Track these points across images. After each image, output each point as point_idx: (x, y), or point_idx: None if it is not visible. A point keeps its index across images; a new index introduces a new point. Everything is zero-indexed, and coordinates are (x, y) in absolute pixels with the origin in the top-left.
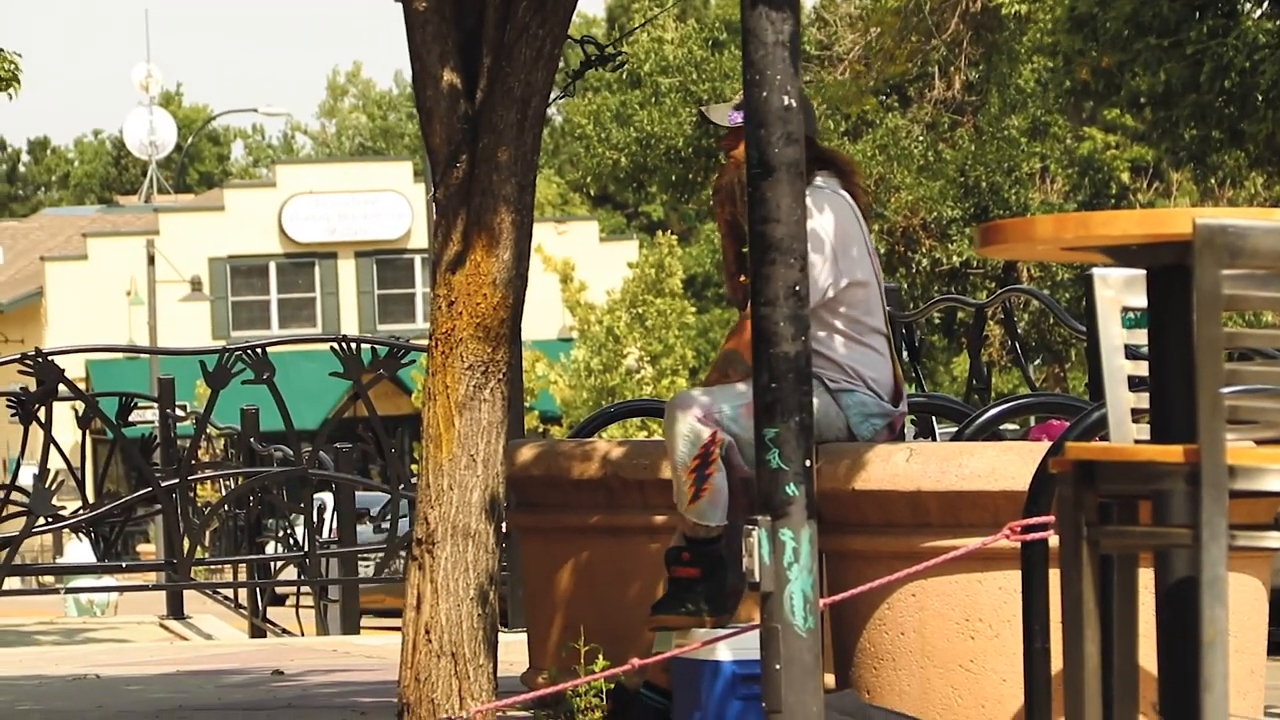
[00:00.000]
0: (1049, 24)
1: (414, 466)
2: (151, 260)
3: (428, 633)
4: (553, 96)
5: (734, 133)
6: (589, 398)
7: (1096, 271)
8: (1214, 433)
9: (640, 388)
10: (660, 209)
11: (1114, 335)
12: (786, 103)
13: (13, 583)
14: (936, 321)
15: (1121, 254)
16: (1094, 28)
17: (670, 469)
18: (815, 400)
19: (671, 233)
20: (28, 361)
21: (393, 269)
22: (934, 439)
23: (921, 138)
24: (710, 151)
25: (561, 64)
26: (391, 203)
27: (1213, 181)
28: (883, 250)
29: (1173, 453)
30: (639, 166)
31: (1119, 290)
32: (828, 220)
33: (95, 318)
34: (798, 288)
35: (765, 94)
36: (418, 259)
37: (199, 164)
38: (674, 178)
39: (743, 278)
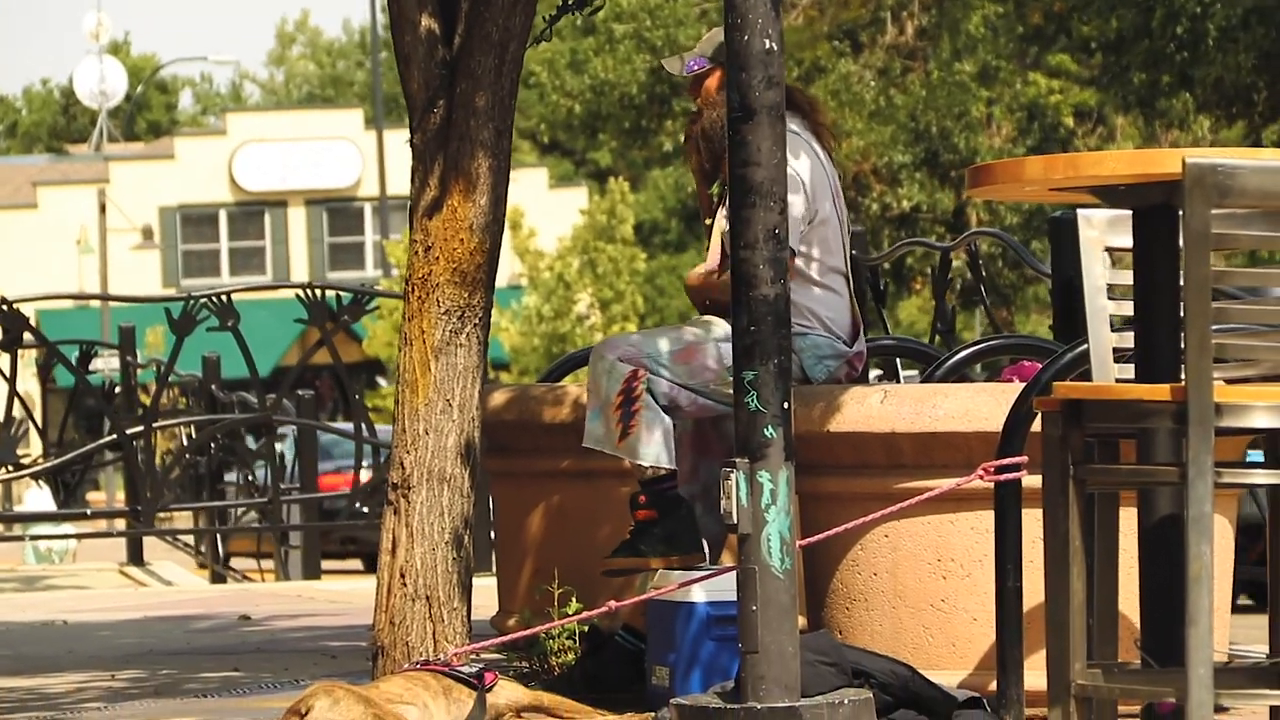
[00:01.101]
0: None
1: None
2: (103, 209)
3: (403, 576)
4: (530, 41)
5: (696, 80)
6: (540, 344)
7: (1081, 212)
8: (1202, 371)
9: (591, 334)
10: (609, 156)
11: (1097, 275)
12: (768, 46)
13: None
14: (885, 266)
15: (1109, 194)
16: None
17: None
18: None
19: (623, 179)
20: None
21: (343, 217)
22: (898, 382)
23: (873, 83)
24: (664, 98)
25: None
26: (342, 151)
27: (1157, 126)
28: None
29: (1160, 391)
30: (593, 114)
31: (1102, 231)
32: (805, 165)
33: (45, 267)
34: (777, 231)
35: (747, 37)
36: (368, 207)
37: (147, 113)
38: (628, 125)
39: (709, 220)
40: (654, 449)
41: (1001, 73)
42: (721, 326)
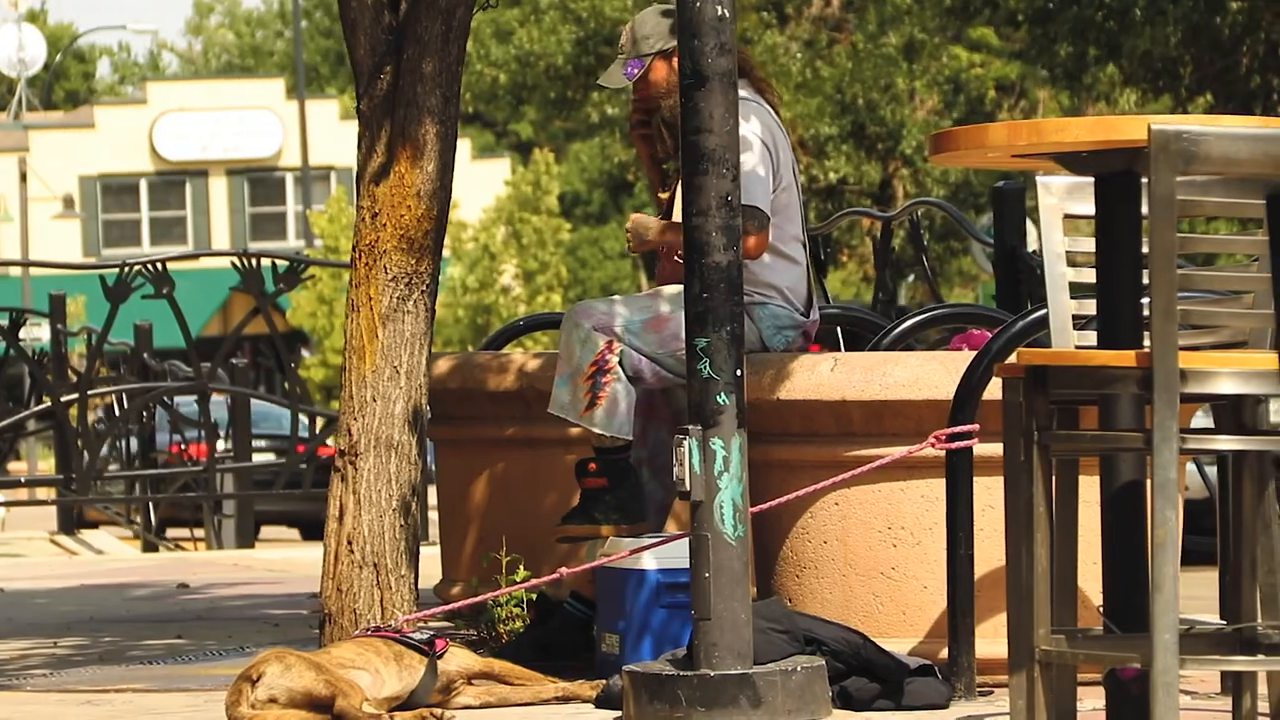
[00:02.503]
0: None
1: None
2: (23, 178)
3: (350, 544)
4: (476, 7)
5: (641, 82)
6: (464, 315)
7: (1040, 179)
8: (1167, 337)
9: (515, 305)
10: (530, 128)
11: (1056, 243)
12: (720, 12)
13: None
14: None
15: (1071, 161)
16: None
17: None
18: None
19: (549, 150)
20: None
21: (264, 187)
22: (840, 350)
23: (799, 55)
24: (589, 69)
25: None
26: (263, 121)
27: (1081, 99)
28: None
29: (1125, 357)
30: (519, 84)
31: (1061, 198)
32: (756, 126)
33: None
34: (729, 198)
35: (698, 4)
36: (289, 177)
37: (65, 82)
38: (554, 95)
39: (662, 194)
40: (618, 421)
41: (927, 46)
42: None
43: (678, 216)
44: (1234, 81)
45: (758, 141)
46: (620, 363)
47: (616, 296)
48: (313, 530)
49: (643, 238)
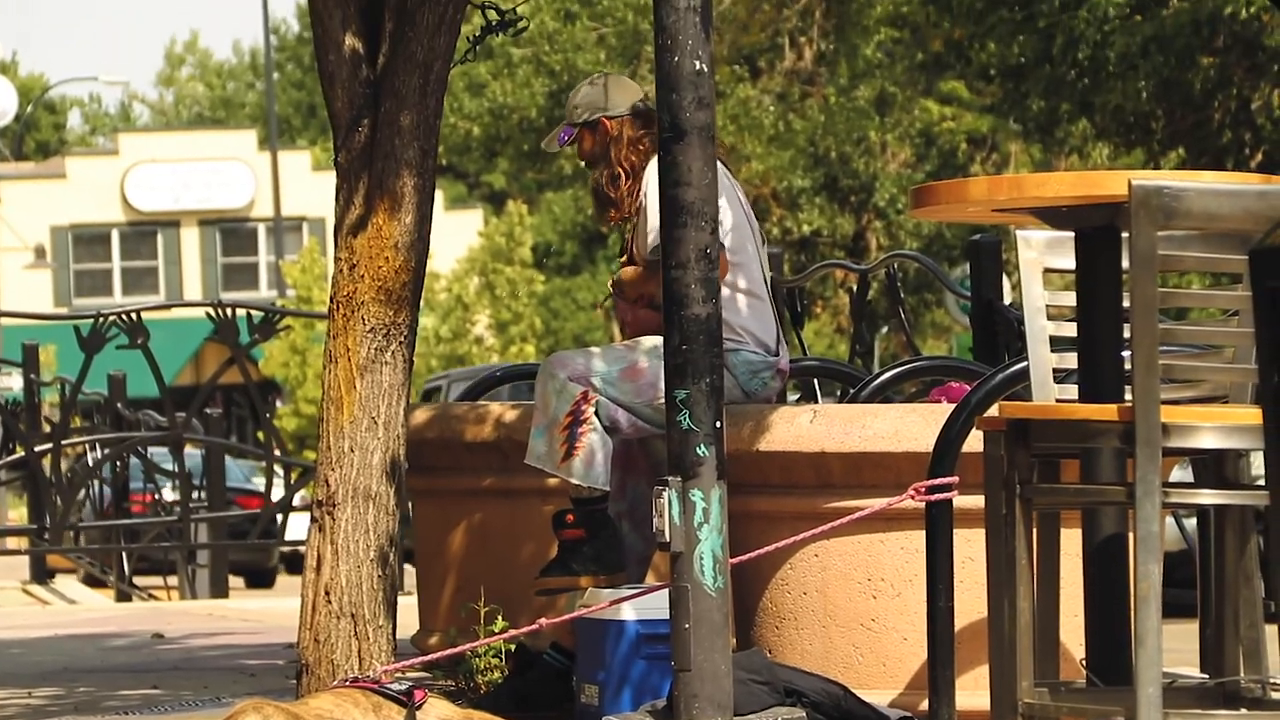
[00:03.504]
0: None
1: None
2: None
3: (327, 594)
4: (454, 61)
5: (579, 140)
6: (437, 365)
7: (1020, 234)
8: (1149, 391)
9: (489, 355)
10: (503, 179)
11: (1036, 296)
12: (698, 67)
13: None
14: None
15: (1051, 215)
16: (947, 0)
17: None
18: None
19: (522, 201)
20: None
21: (236, 238)
22: (817, 402)
23: (772, 108)
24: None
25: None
26: (235, 171)
27: (1053, 153)
28: None
29: (1108, 411)
30: (492, 137)
31: (1041, 252)
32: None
33: None
34: (708, 250)
35: (676, 58)
36: (261, 228)
37: (36, 132)
38: (526, 148)
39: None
40: (595, 472)
41: (898, 99)
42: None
43: (629, 270)
44: (1206, 136)
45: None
46: (596, 413)
47: (593, 348)
48: (256, 579)
49: (620, 291)
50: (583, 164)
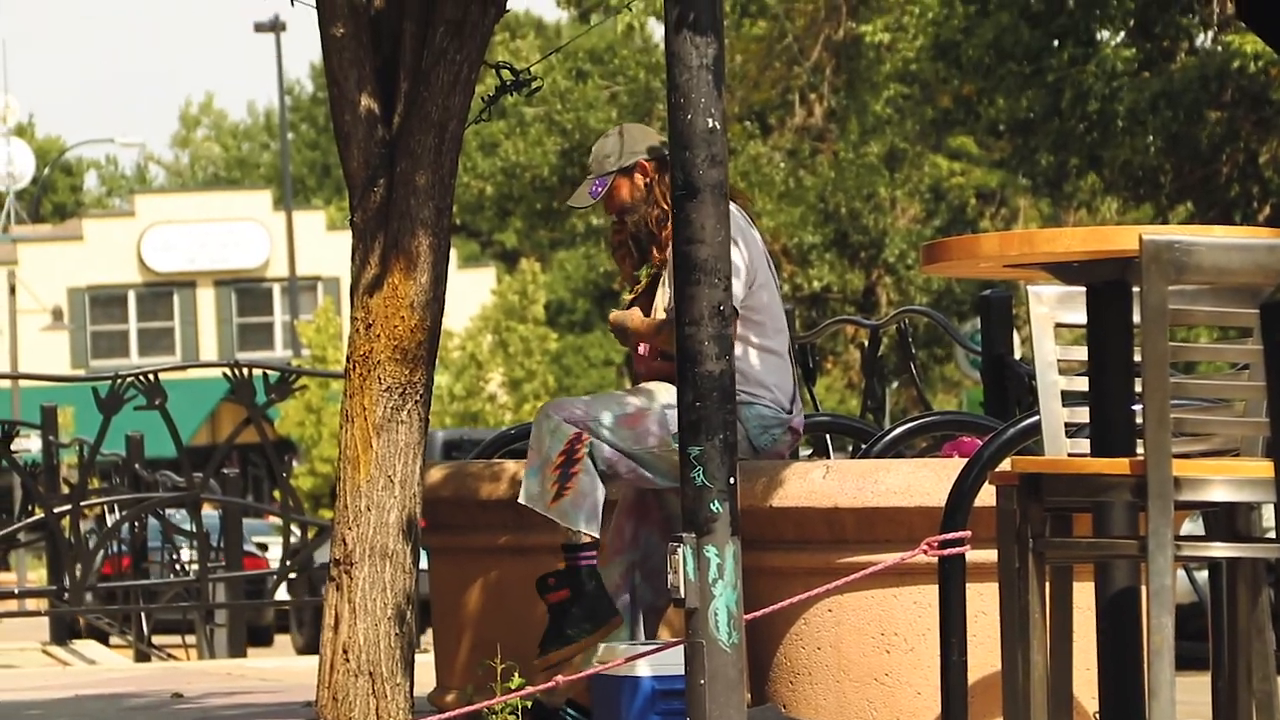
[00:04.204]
0: (912, 52)
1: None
2: (13, 290)
3: (345, 652)
4: (469, 120)
5: (607, 199)
6: (451, 423)
7: (1031, 289)
8: (1161, 445)
9: (502, 414)
10: (515, 237)
11: (1047, 351)
12: (711, 125)
13: None
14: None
15: (1063, 270)
16: (957, 55)
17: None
18: None
19: (536, 260)
20: None
21: (252, 298)
22: (829, 458)
23: (782, 164)
24: (575, 180)
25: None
26: (250, 232)
27: (1062, 207)
28: None
29: (1119, 465)
30: (505, 195)
31: (1052, 307)
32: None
33: None
34: (721, 307)
35: (690, 116)
36: (276, 288)
37: (53, 194)
38: (539, 206)
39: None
40: (584, 515)
41: (908, 155)
42: (666, 394)
43: (637, 314)
44: (1214, 190)
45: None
46: (590, 455)
47: (593, 396)
48: (253, 636)
49: (624, 331)
50: (613, 216)
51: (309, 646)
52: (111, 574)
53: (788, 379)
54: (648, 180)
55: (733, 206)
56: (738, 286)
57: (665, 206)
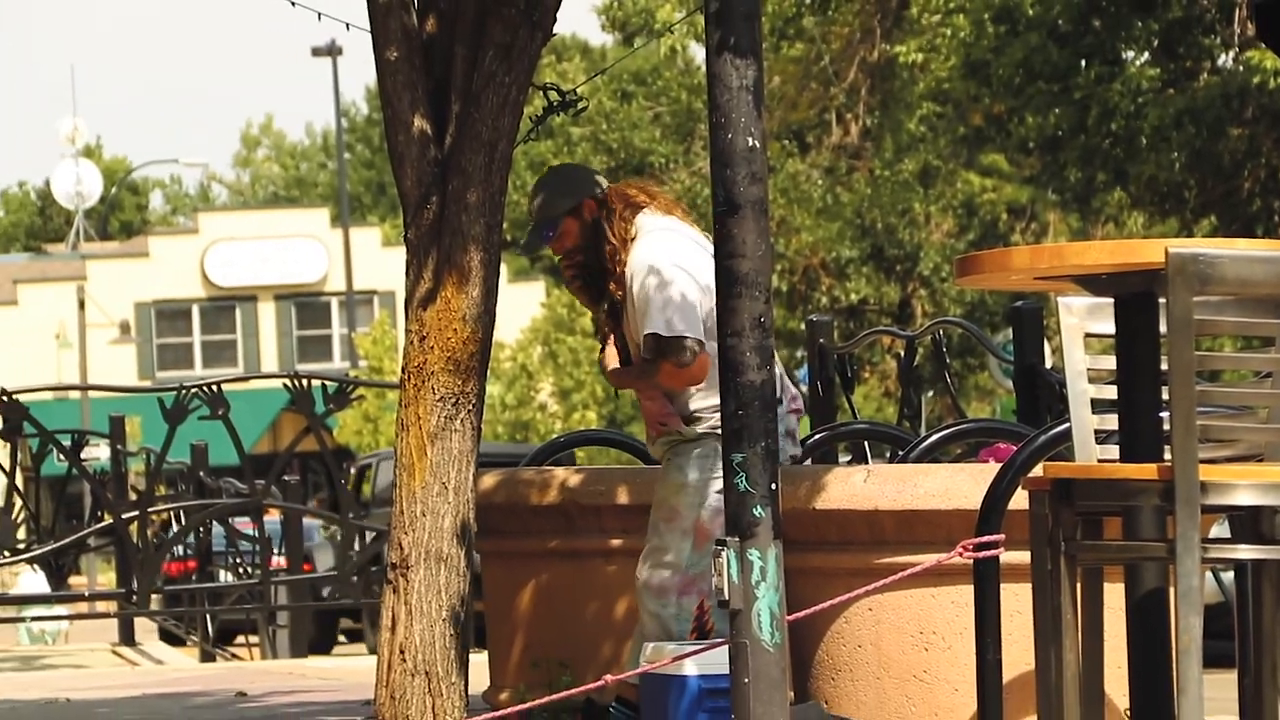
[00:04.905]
0: (944, 71)
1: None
2: (81, 305)
3: (402, 653)
4: (518, 140)
5: (563, 232)
6: (503, 432)
7: (1061, 300)
8: (1187, 451)
9: (552, 422)
10: None
11: (1077, 360)
12: (751, 143)
13: None
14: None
15: (1091, 282)
16: (987, 74)
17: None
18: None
19: None
20: None
21: (310, 311)
22: (867, 463)
23: (820, 181)
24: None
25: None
26: (309, 248)
27: (1090, 221)
28: (784, 288)
29: (1148, 470)
30: None
31: (1082, 318)
32: (670, 255)
33: (26, 360)
34: (762, 319)
35: (730, 135)
36: (334, 301)
37: (120, 213)
38: None
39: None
40: None
41: (941, 172)
42: (693, 469)
43: (611, 362)
44: (1236, 204)
45: (676, 270)
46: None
47: (653, 542)
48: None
49: (605, 375)
50: (558, 258)
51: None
52: (177, 577)
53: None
54: (595, 217)
55: (678, 228)
56: (694, 320)
57: (614, 241)
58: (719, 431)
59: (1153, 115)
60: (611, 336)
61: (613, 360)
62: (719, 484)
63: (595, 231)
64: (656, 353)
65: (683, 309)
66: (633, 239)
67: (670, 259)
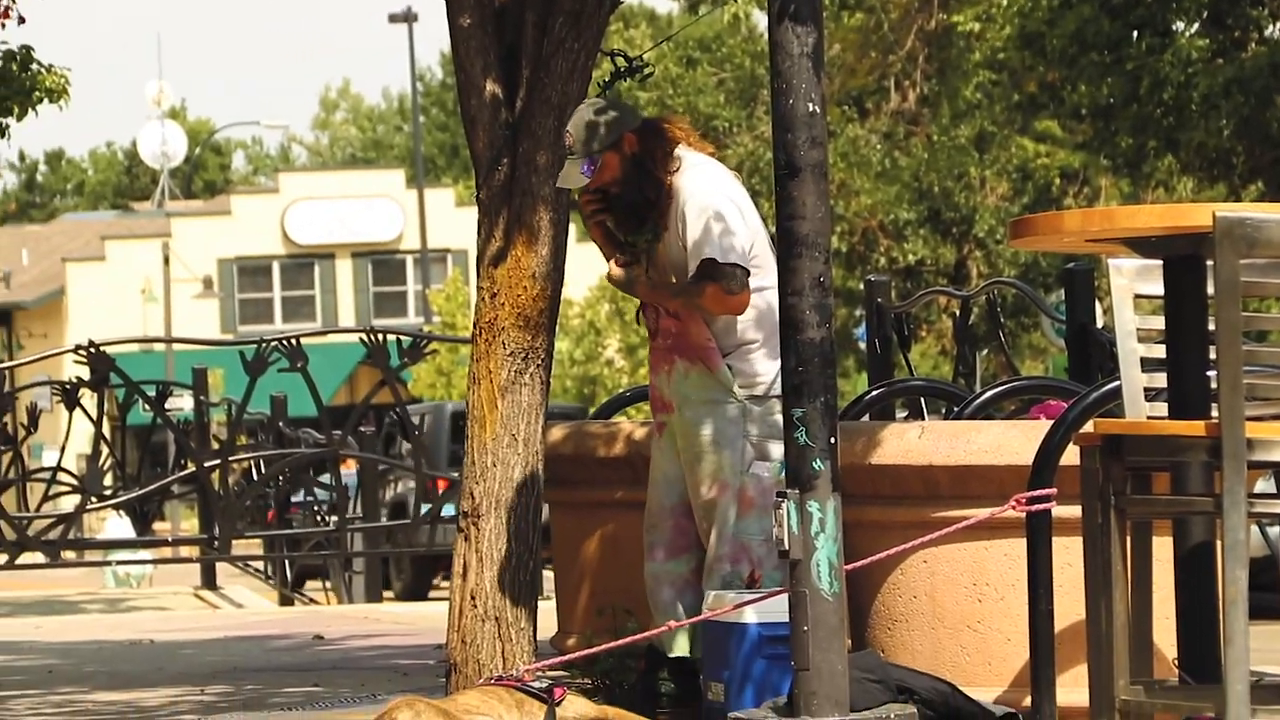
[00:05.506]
0: (1000, 41)
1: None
2: (166, 261)
3: (473, 599)
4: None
5: (603, 167)
6: (571, 386)
7: (1111, 262)
8: (1234, 409)
9: (619, 377)
10: None
11: (1127, 320)
12: (811, 109)
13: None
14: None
15: (1141, 245)
16: (1041, 44)
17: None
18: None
19: None
20: (81, 352)
21: (386, 269)
22: (923, 419)
23: (879, 146)
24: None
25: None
26: (385, 208)
27: (1141, 186)
28: (843, 249)
29: (1196, 427)
30: None
31: (1131, 279)
32: (724, 189)
33: (113, 314)
34: (822, 279)
35: (791, 101)
36: (409, 259)
37: (203, 172)
38: None
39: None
40: None
41: (996, 137)
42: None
43: (625, 271)
44: None
45: (728, 203)
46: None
47: (706, 504)
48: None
49: (629, 289)
50: (593, 192)
51: (408, 593)
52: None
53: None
54: (634, 151)
55: (719, 164)
56: (741, 252)
57: (658, 175)
58: (761, 394)
59: (1202, 84)
60: (616, 259)
61: (644, 276)
62: (777, 449)
63: (636, 164)
64: (705, 278)
65: (735, 239)
66: (675, 171)
67: (723, 192)
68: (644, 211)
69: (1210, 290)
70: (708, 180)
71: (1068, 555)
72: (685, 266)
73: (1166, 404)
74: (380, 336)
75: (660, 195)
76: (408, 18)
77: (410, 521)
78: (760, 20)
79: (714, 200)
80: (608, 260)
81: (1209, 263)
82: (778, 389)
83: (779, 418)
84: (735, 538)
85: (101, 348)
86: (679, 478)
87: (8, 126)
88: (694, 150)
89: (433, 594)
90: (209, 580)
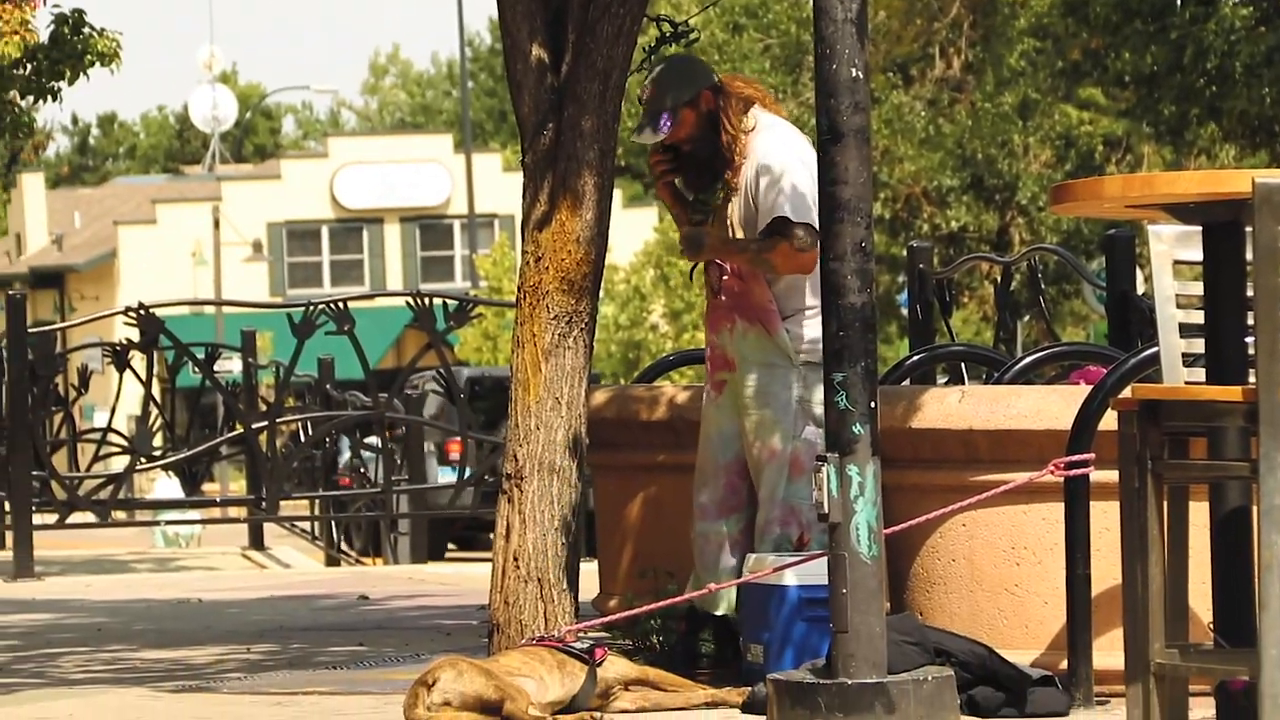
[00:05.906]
0: (1044, 8)
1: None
2: (217, 224)
3: (516, 560)
4: (631, 70)
5: (680, 123)
6: (616, 351)
7: (1151, 228)
8: (1272, 374)
9: (663, 342)
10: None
11: (1166, 286)
12: (854, 74)
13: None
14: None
15: (1180, 211)
16: (1086, 12)
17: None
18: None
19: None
20: (132, 314)
21: (434, 233)
22: (964, 384)
23: (923, 113)
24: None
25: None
26: (433, 172)
27: (1183, 154)
28: (887, 216)
29: (1232, 392)
30: None
31: (1170, 245)
32: (800, 150)
33: (163, 277)
34: (863, 244)
35: (835, 66)
36: (456, 224)
37: (254, 137)
38: None
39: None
40: None
41: (1040, 105)
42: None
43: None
44: None
45: (801, 164)
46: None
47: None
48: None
49: (698, 245)
50: (669, 150)
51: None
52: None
53: None
54: (711, 109)
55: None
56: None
57: (733, 131)
58: (816, 360)
59: (1245, 53)
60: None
61: (715, 233)
62: (818, 411)
63: (711, 121)
64: (776, 235)
65: (808, 199)
66: (750, 130)
67: (796, 154)
68: (717, 168)
69: (1249, 256)
70: (781, 141)
71: (1105, 520)
72: (754, 226)
73: (1204, 369)
74: (427, 300)
75: (734, 153)
76: None
77: (457, 484)
78: None
79: (788, 161)
80: (677, 223)
81: (1248, 229)
82: None
83: None
84: (785, 501)
85: (151, 310)
86: (735, 435)
87: (60, 90)
88: (769, 112)
89: (447, 555)
90: (256, 541)
